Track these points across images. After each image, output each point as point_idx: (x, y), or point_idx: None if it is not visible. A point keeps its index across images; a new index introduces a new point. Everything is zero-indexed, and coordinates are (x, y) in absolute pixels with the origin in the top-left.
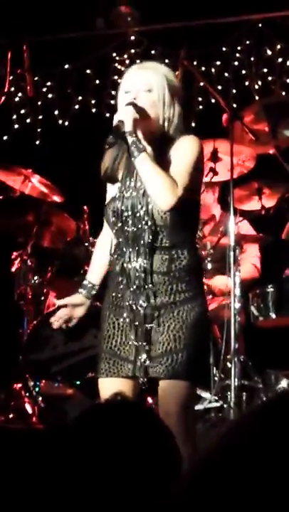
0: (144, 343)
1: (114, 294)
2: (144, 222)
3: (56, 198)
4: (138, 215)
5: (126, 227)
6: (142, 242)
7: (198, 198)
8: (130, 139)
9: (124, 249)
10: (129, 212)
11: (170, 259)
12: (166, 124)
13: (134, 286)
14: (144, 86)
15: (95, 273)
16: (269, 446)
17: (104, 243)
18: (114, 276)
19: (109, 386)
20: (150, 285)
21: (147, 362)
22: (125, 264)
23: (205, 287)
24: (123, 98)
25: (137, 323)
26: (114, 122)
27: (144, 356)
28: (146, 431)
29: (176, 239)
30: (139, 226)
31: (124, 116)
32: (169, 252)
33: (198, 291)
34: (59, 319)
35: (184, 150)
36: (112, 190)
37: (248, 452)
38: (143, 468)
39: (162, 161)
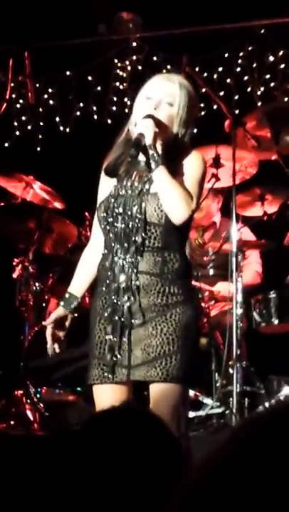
0: (116, 339)
1: (104, 290)
2: (137, 221)
3: (57, 205)
4: (130, 213)
5: (116, 224)
6: (132, 239)
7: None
8: (150, 152)
9: (113, 245)
10: (121, 210)
11: (163, 261)
12: (175, 137)
13: (119, 283)
14: (167, 97)
15: (76, 284)
16: (271, 454)
17: (91, 255)
18: (103, 272)
19: (104, 392)
20: (136, 282)
21: (146, 361)
22: (114, 260)
23: (206, 293)
24: (143, 103)
25: (116, 317)
26: (135, 134)
27: (137, 358)
28: (152, 438)
29: (168, 240)
30: (130, 224)
31: (145, 129)
32: (161, 253)
33: (190, 295)
34: (51, 343)
35: (195, 166)
36: (106, 189)
37: (248, 460)
38: (149, 476)
39: (173, 170)
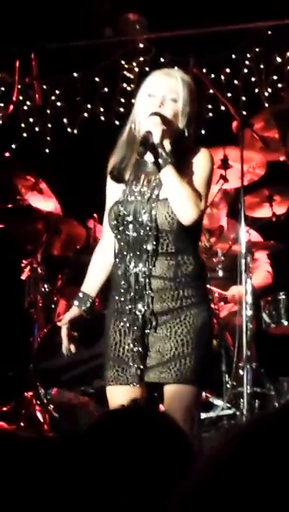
0: (140, 349)
1: (117, 298)
2: (148, 229)
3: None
4: (140, 220)
5: (127, 232)
6: (144, 247)
7: (206, 208)
8: (158, 151)
9: (125, 253)
10: (131, 218)
11: (176, 264)
12: (181, 134)
13: (134, 292)
14: (170, 94)
15: (89, 284)
16: (274, 453)
17: (103, 254)
18: (117, 280)
19: (118, 394)
20: (149, 291)
21: (145, 369)
22: (128, 268)
23: (217, 294)
24: (146, 101)
25: (135, 328)
26: (141, 132)
27: (141, 364)
28: (163, 438)
29: (181, 245)
30: (141, 232)
31: (152, 127)
32: (174, 257)
33: (204, 297)
34: (67, 344)
35: (203, 165)
36: (114, 193)
37: (251, 458)
38: (160, 476)
39: (181, 169)
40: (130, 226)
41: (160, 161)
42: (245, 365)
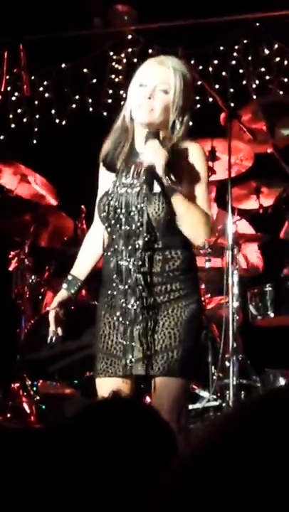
0: (133, 343)
1: (109, 292)
2: (138, 224)
3: (52, 201)
4: (132, 214)
5: (118, 225)
6: (135, 241)
7: None
8: (165, 183)
9: (117, 246)
10: (123, 210)
11: (164, 259)
12: (173, 127)
13: (126, 286)
14: (161, 85)
15: (79, 267)
16: (262, 442)
17: (94, 238)
18: (109, 274)
19: (106, 386)
20: (142, 285)
21: (133, 361)
22: (120, 262)
23: (203, 286)
24: (137, 91)
25: (127, 322)
26: (145, 163)
27: (129, 356)
28: (146, 428)
29: (169, 240)
30: (133, 225)
31: (153, 156)
32: (162, 252)
33: (193, 289)
34: (55, 327)
35: (200, 166)
36: (105, 183)
37: (239, 447)
38: (143, 466)
39: (177, 165)
40: (123, 219)
41: (168, 191)
42: (232, 356)
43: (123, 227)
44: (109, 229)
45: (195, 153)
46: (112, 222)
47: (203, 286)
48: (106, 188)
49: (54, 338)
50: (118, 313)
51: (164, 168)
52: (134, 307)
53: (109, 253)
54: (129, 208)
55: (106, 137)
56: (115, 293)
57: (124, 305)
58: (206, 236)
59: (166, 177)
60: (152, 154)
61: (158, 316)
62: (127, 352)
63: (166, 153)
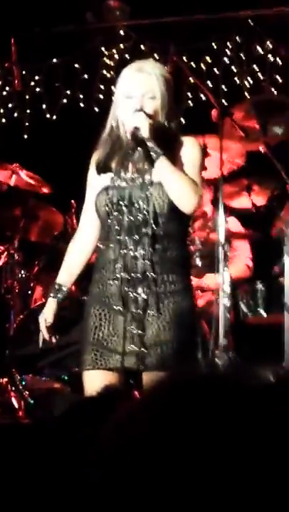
0: (139, 331)
1: (101, 286)
2: (145, 213)
3: (44, 189)
4: (136, 205)
5: (122, 217)
6: (143, 231)
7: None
8: (149, 145)
9: (120, 237)
10: (126, 202)
11: (162, 249)
12: (165, 128)
13: (133, 275)
14: (148, 93)
15: (65, 275)
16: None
17: (79, 247)
18: (105, 265)
19: (95, 378)
20: (152, 273)
21: (141, 349)
22: (123, 252)
23: (193, 283)
24: (125, 103)
25: (133, 309)
26: (129, 129)
27: (132, 345)
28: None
29: (168, 228)
30: (138, 216)
31: (139, 122)
32: (161, 241)
33: (187, 284)
34: (48, 336)
35: (192, 153)
36: (100, 182)
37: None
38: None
39: (171, 160)
40: (125, 210)
41: (152, 154)
42: (222, 353)
43: (126, 218)
44: (110, 221)
45: (188, 145)
46: (115, 214)
47: (198, 262)
48: (102, 185)
49: (43, 346)
50: (117, 302)
51: (149, 133)
52: (143, 295)
53: (110, 244)
54: (133, 199)
55: (94, 142)
56: (116, 282)
57: (129, 293)
58: (194, 201)
59: (151, 140)
60: (138, 120)
61: (151, 309)
62: (129, 341)
63: (151, 121)
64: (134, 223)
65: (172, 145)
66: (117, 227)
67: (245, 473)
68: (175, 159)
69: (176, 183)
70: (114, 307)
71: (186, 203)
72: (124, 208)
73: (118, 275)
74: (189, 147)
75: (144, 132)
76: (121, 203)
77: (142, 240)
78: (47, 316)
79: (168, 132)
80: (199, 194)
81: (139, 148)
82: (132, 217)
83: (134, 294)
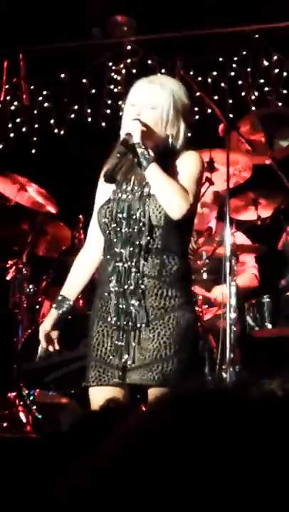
0: (137, 345)
1: (102, 300)
2: (141, 224)
3: (51, 209)
4: (134, 217)
5: (119, 228)
6: (136, 242)
7: (196, 209)
8: (139, 150)
9: (117, 249)
10: (125, 214)
11: (161, 263)
12: (169, 139)
13: (126, 287)
14: (149, 103)
15: (69, 288)
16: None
17: (85, 260)
18: (105, 277)
19: (100, 395)
20: (142, 286)
21: (130, 363)
22: (118, 264)
23: (200, 297)
24: (129, 110)
25: (124, 322)
26: (122, 136)
27: (126, 357)
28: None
29: (167, 242)
30: (135, 227)
31: (132, 129)
32: (160, 256)
33: (188, 299)
34: (46, 345)
35: (189, 165)
36: (104, 195)
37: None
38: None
39: (167, 173)
40: (124, 222)
41: (142, 160)
42: (228, 367)
43: (123, 230)
44: (108, 233)
45: (186, 157)
46: (113, 225)
47: (205, 277)
48: (105, 198)
49: (42, 356)
50: (113, 315)
51: (140, 138)
52: (135, 308)
53: (109, 256)
54: (131, 211)
55: (105, 153)
56: (112, 295)
57: (120, 306)
58: (182, 208)
59: (141, 147)
60: (131, 127)
61: (153, 324)
62: (123, 354)
63: (144, 128)
64: (131, 235)
65: (170, 157)
66: (114, 239)
67: (250, 487)
68: (171, 170)
69: (164, 188)
70: (112, 322)
71: (174, 209)
72: (122, 221)
73: (112, 289)
74: (187, 159)
75: (136, 138)
76: (120, 215)
77: (136, 252)
78: (46, 326)
79: (165, 144)
80: (189, 202)
81: (129, 154)
82: (129, 230)
83: (128, 307)
